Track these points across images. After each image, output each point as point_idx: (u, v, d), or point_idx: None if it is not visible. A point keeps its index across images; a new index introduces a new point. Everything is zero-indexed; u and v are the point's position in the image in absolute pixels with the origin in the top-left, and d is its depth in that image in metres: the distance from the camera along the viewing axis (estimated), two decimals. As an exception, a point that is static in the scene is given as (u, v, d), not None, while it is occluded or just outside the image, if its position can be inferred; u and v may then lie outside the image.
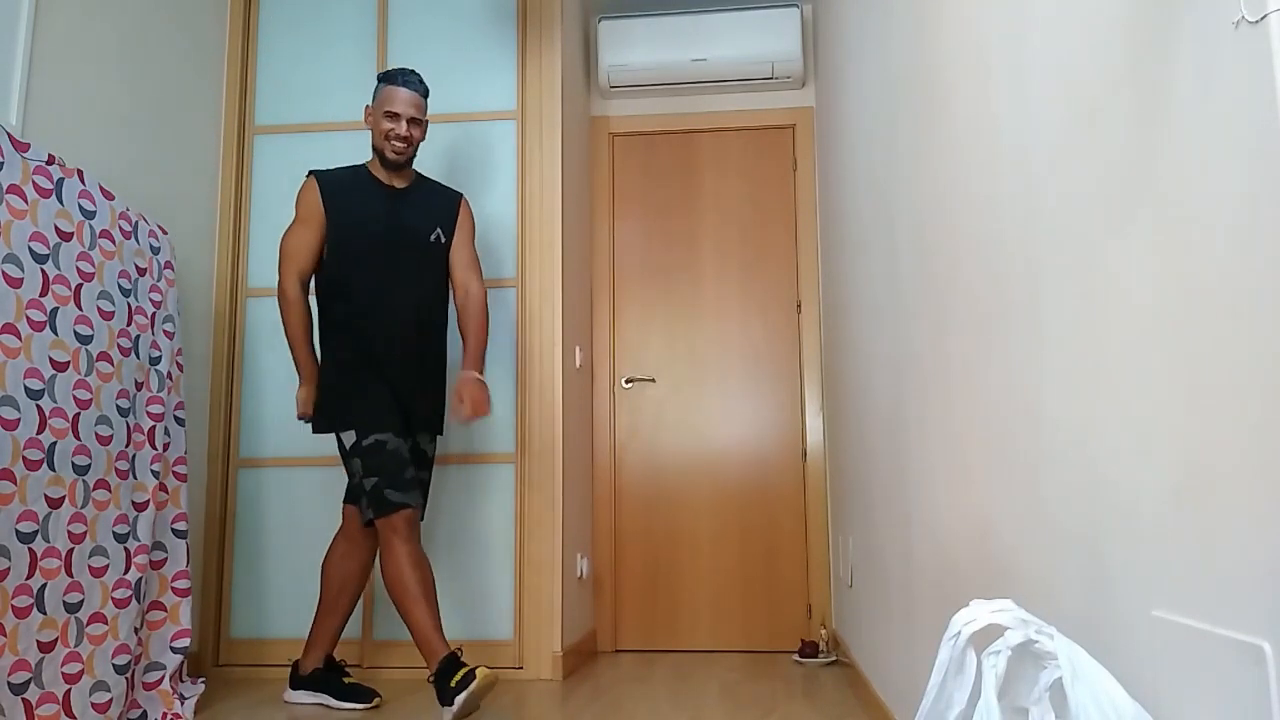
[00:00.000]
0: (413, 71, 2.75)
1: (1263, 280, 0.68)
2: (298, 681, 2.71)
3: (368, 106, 2.79)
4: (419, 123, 2.74)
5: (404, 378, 2.68)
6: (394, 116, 2.69)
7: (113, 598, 2.27)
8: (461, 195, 2.88)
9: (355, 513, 2.71)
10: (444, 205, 2.82)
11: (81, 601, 2.18)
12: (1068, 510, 1.07)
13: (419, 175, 2.85)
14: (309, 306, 2.73)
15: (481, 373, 2.71)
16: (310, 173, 2.76)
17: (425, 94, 2.76)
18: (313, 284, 2.75)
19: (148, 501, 2.41)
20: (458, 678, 2.29)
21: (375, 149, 2.75)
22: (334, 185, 2.73)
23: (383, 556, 2.51)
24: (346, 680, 2.69)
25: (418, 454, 2.73)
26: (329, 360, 2.68)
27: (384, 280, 2.67)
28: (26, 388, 2.07)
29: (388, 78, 2.73)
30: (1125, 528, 0.92)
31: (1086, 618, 1.01)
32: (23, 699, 1.99)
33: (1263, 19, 0.67)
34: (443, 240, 2.78)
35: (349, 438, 2.58)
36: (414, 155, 2.78)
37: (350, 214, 2.70)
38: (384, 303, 2.66)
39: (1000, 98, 1.32)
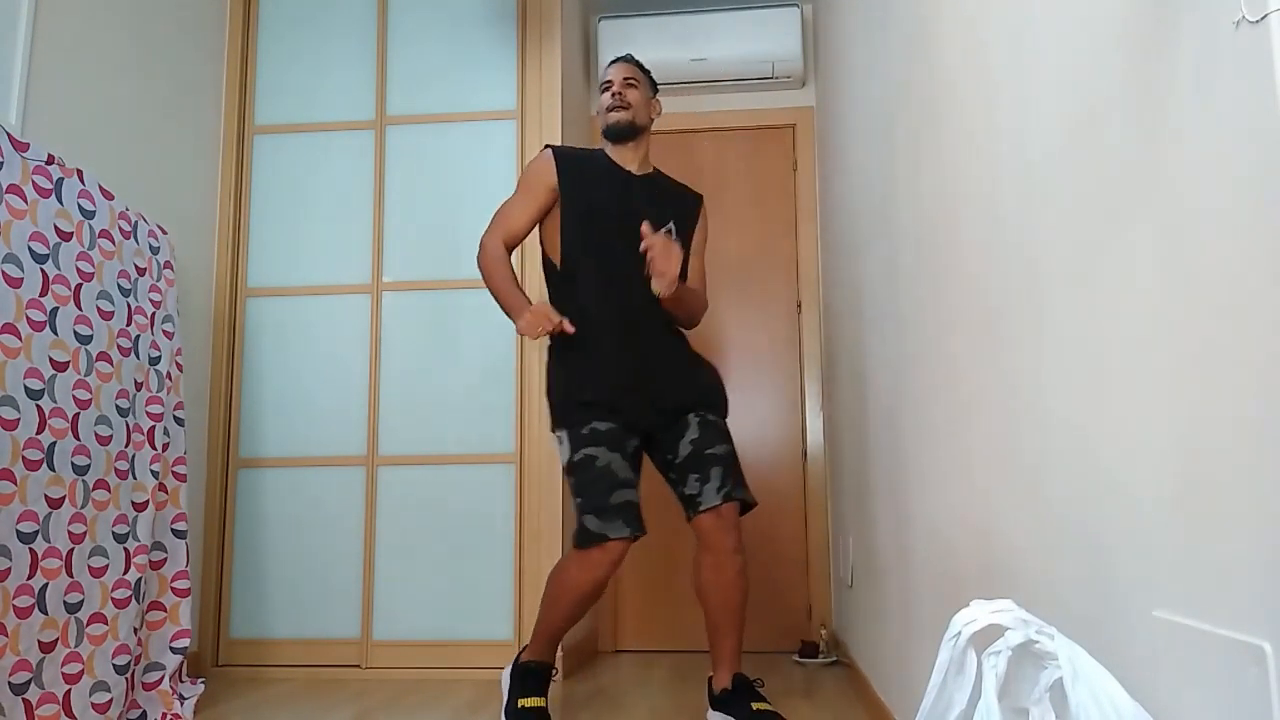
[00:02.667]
0: (626, 54, 2.62)
1: (1264, 280, 0.68)
2: (715, 701, 2.37)
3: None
4: (633, 84, 2.50)
5: (627, 363, 2.36)
6: (607, 86, 2.51)
7: (112, 598, 2.27)
8: (702, 198, 2.63)
9: None
10: (685, 202, 2.57)
11: (82, 601, 2.18)
12: (1068, 510, 1.07)
13: (659, 171, 2.61)
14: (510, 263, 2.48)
15: (678, 289, 2.32)
16: (546, 146, 2.55)
17: (640, 66, 2.56)
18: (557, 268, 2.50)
19: (147, 501, 2.41)
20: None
21: (604, 132, 2.52)
22: (569, 159, 2.50)
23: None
24: (757, 707, 2.25)
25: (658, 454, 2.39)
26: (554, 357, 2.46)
27: (616, 277, 2.37)
28: (26, 388, 2.07)
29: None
30: (1126, 528, 0.92)
31: (1086, 618, 1.01)
32: (23, 699, 1.99)
33: (1263, 19, 0.67)
34: (674, 235, 2.45)
35: (564, 452, 2.32)
36: (644, 123, 2.52)
37: (578, 190, 2.46)
38: (616, 310, 2.37)
39: (1000, 97, 1.32)
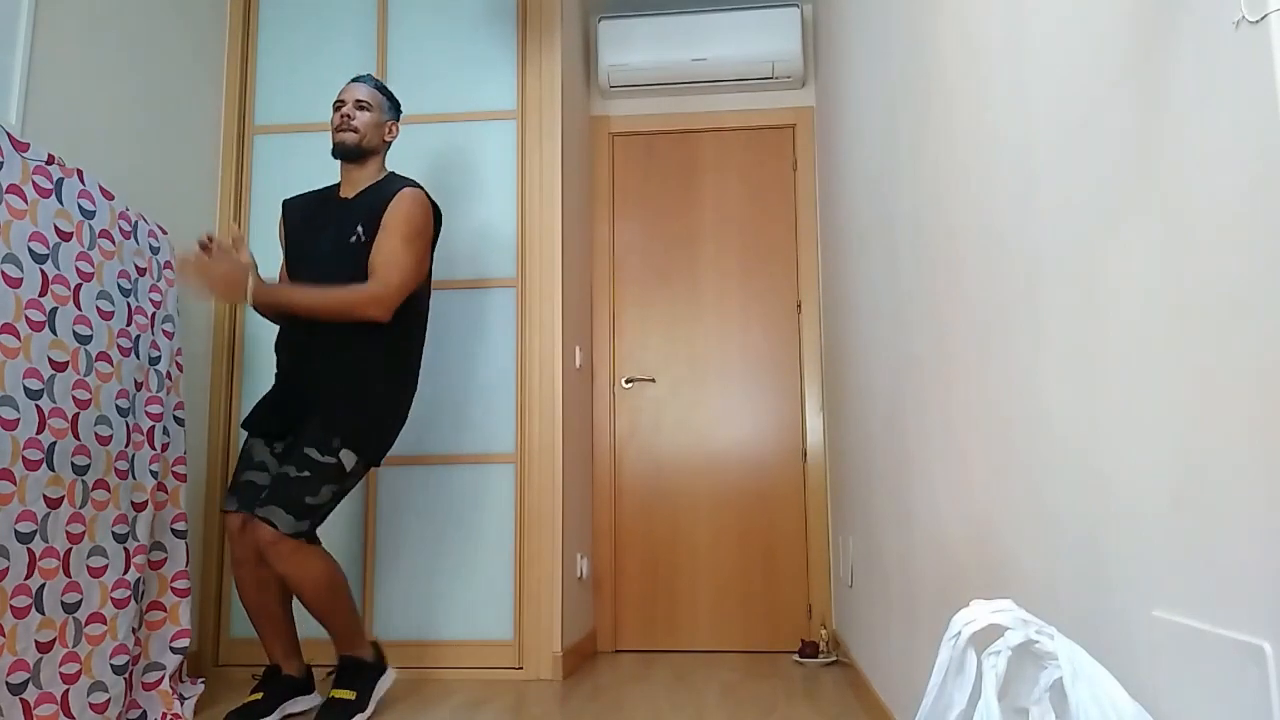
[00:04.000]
0: (366, 74, 2.72)
1: (1263, 280, 0.68)
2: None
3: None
4: (365, 106, 2.61)
5: (287, 379, 2.59)
6: (339, 105, 2.62)
7: (112, 598, 2.27)
8: (406, 186, 2.57)
9: None
10: (378, 202, 2.56)
11: (80, 601, 2.17)
12: (1068, 510, 1.07)
13: (388, 176, 2.66)
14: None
15: (257, 294, 2.41)
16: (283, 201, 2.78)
17: (383, 91, 2.67)
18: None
19: (147, 501, 2.41)
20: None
21: (333, 150, 2.64)
22: (296, 208, 2.73)
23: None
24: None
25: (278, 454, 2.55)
26: None
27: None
28: (26, 388, 2.06)
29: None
30: (1125, 528, 0.92)
31: (1086, 618, 1.01)
32: (21, 699, 1.99)
33: (1263, 19, 0.67)
34: (362, 239, 2.53)
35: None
36: (371, 146, 2.63)
37: (297, 229, 2.68)
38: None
39: (1000, 97, 1.32)
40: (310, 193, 2.76)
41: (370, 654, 2.52)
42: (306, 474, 2.38)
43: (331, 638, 2.48)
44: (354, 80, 2.68)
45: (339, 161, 2.66)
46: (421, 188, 2.60)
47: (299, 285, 2.50)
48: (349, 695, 2.43)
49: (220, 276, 2.37)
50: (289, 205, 2.74)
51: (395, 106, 2.72)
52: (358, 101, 2.62)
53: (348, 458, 2.43)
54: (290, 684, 2.51)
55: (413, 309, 2.60)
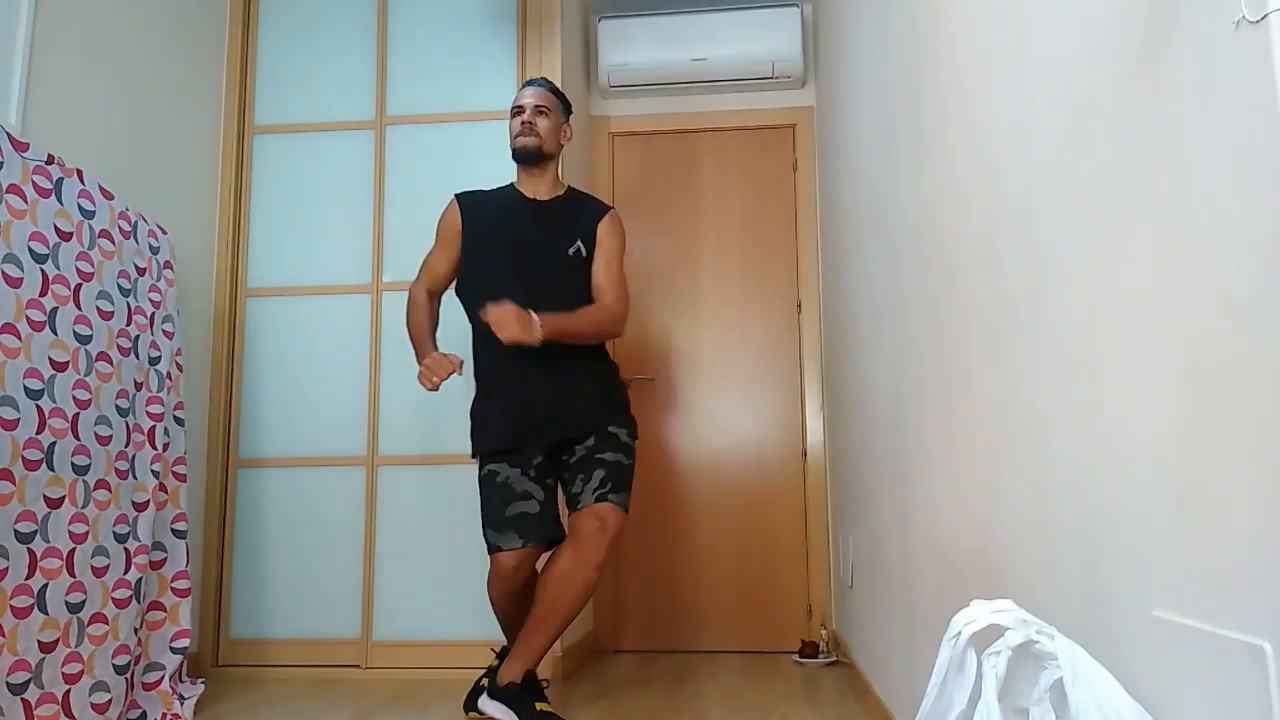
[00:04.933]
0: (540, 77, 2.70)
1: (1263, 280, 0.68)
2: (495, 691, 2.43)
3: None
4: (544, 110, 2.59)
5: (522, 395, 2.47)
6: (519, 110, 2.60)
7: (113, 598, 2.27)
8: (610, 209, 2.65)
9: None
10: (589, 216, 2.60)
11: (83, 602, 2.18)
12: (1068, 510, 1.07)
13: (571, 189, 2.69)
14: (432, 308, 2.66)
15: (546, 327, 2.33)
16: (454, 195, 2.67)
17: (558, 95, 2.65)
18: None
19: (147, 501, 2.41)
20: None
21: (514, 154, 2.62)
22: (474, 203, 2.63)
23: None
24: (540, 707, 2.33)
25: (547, 471, 2.47)
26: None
27: (523, 301, 2.37)
28: (26, 388, 2.06)
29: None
30: (1125, 528, 0.92)
31: (1086, 618, 1.01)
32: (22, 699, 1.99)
33: (1263, 19, 0.67)
34: (583, 254, 2.54)
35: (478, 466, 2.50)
36: (552, 149, 2.61)
37: (484, 228, 2.58)
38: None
39: (1000, 97, 1.32)
40: (488, 192, 2.66)
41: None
42: (630, 462, 2.49)
43: (542, 643, 2.39)
44: (528, 84, 2.65)
45: (516, 165, 2.64)
46: (614, 209, 2.68)
47: (573, 314, 2.45)
48: (549, 707, 2.34)
49: (514, 316, 2.31)
50: (469, 202, 2.63)
51: (568, 108, 2.70)
52: (537, 107, 2.60)
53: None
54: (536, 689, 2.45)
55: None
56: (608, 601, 3.76)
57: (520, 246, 2.53)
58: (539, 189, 2.63)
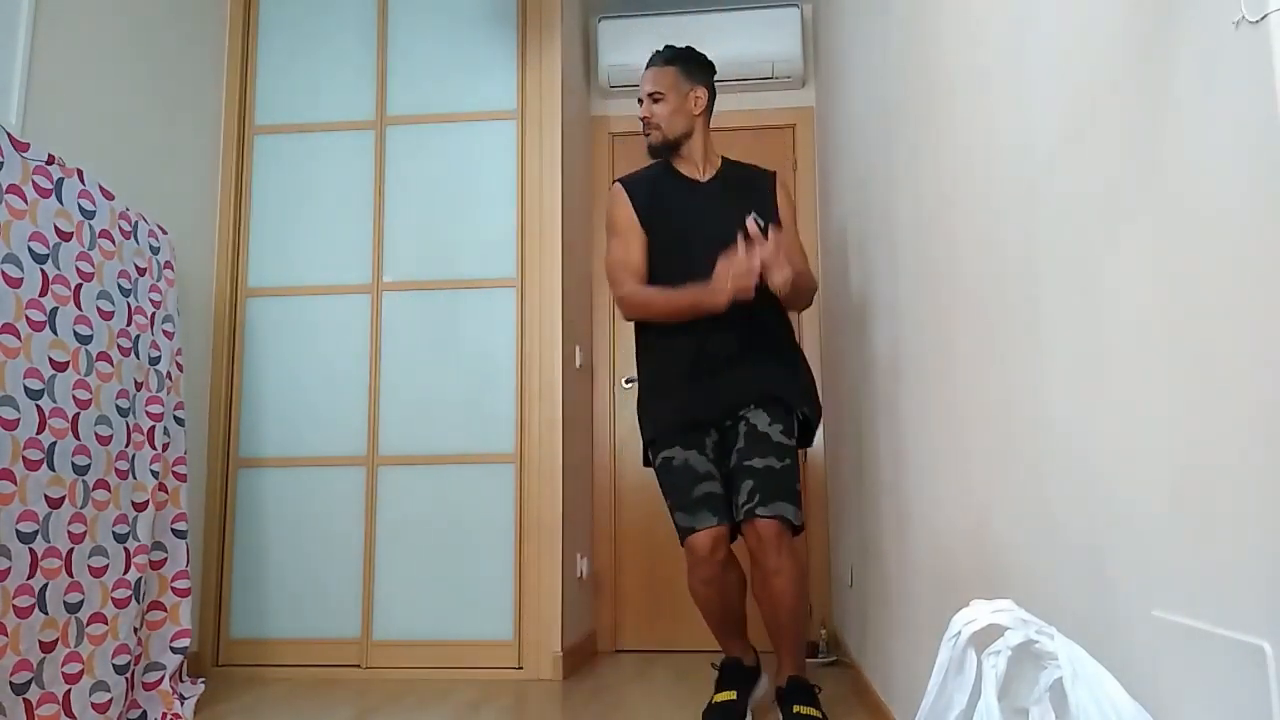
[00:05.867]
0: (661, 49, 2.50)
1: (1263, 280, 0.68)
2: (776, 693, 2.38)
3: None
4: (657, 97, 2.42)
5: (710, 372, 2.33)
6: (640, 101, 2.46)
7: (113, 598, 2.27)
8: (774, 173, 2.51)
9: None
10: (758, 187, 2.46)
11: (82, 601, 2.17)
12: (1068, 510, 1.07)
13: (726, 161, 2.53)
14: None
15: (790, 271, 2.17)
16: (615, 181, 2.54)
17: (675, 61, 2.45)
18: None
19: (147, 501, 2.41)
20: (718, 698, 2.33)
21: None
22: (638, 187, 2.50)
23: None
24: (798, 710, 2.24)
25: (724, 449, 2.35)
26: (640, 374, 2.48)
27: (693, 281, 2.26)
28: (26, 388, 2.07)
29: None
30: (1125, 527, 0.92)
31: (1086, 618, 1.01)
32: (23, 699, 1.99)
33: (1263, 19, 0.67)
34: (762, 226, 2.28)
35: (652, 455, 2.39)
36: (678, 132, 2.45)
37: (656, 214, 2.44)
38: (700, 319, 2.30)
39: (1000, 97, 1.32)
40: (645, 173, 2.54)
41: (808, 678, 2.36)
42: (789, 462, 2.28)
43: (787, 650, 2.34)
44: (648, 64, 2.48)
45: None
46: (776, 172, 2.53)
47: (801, 275, 2.29)
48: (818, 715, 2.25)
49: (749, 270, 2.13)
50: (634, 188, 2.49)
51: (695, 69, 2.47)
52: (651, 95, 2.44)
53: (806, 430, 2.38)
54: (752, 675, 2.44)
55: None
56: (608, 601, 3.76)
57: (696, 233, 2.37)
58: (694, 168, 2.48)
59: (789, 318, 2.48)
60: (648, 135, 2.47)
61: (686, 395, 2.35)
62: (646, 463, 2.46)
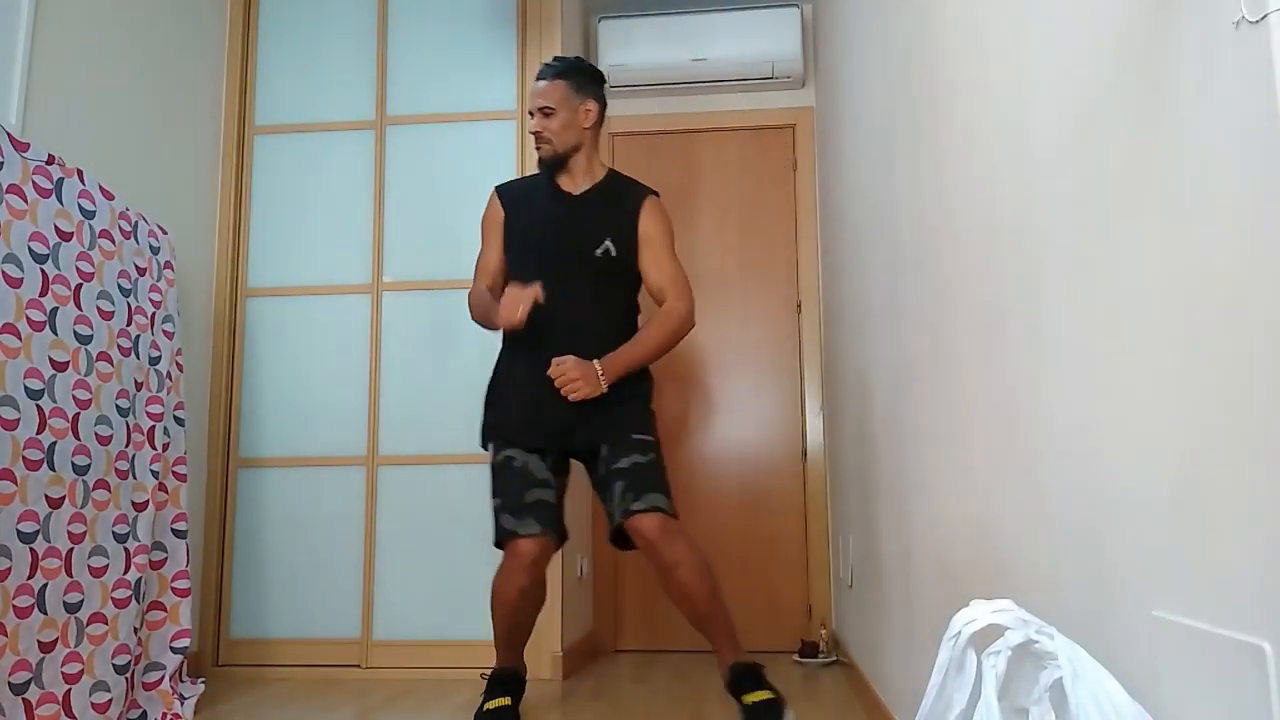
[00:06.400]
0: (549, 61, 2.52)
1: (1263, 280, 0.68)
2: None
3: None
4: (547, 111, 2.43)
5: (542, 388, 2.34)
6: (531, 114, 2.46)
7: (113, 598, 2.27)
8: (651, 194, 2.50)
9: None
10: (622, 208, 2.46)
11: (81, 601, 2.18)
12: (1068, 510, 1.07)
13: (614, 175, 2.54)
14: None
15: (608, 372, 2.29)
16: (495, 187, 2.58)
17: (564, 75, 2.45)
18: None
19: (147, 501, 2.41)
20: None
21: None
22: (511, 195, 2.53)
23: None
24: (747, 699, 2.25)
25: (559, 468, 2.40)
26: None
27: (547, 301, 2.30)
28: (26, 388, 2.07)
29: None
30: (1125, 527, 0.92)
31: (1086, 618, 1.01)
32: (23, 699, 1.99)
33: (1263, 19, 0.67)
34: (612, 254, 2.40)
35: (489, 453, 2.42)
36: (568, 145, 2.45)
37: (520, 222, 2.48)
38: (546, 331, 2.34)
39: (1000, 97, 1.32)
40: (525, 181, 2.59)
41: (748, 657, 2.33)
42: (653, 456, 2.31)
43: (719, 640, 2.30)
44: (538, 77, 2.47)
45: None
46: (656, 194, 2.53)
47: (633, 344, 2.36)
48: (768, 694, 2.22)
49: (578, 371, 2.26)
50: (507, 195, 2.53)
51: (585, 81, 2.48)
52: (542, 110, 2.44)
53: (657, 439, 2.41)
54: (523, 685, 2.44)
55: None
56: (608, 601, 3.76)
57: (550, 246, 2.43)
58: (573, 182, 2.50)
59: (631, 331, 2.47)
60: (539, 149, 2.47)
61: (535, 407, 2.36)
62: (484, 444, 2.44)
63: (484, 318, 2.42)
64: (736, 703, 2.26)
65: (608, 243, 2.41)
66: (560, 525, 2.35)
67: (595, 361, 2.29)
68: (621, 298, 2.46)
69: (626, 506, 2.25)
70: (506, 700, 2.34)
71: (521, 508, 2.28)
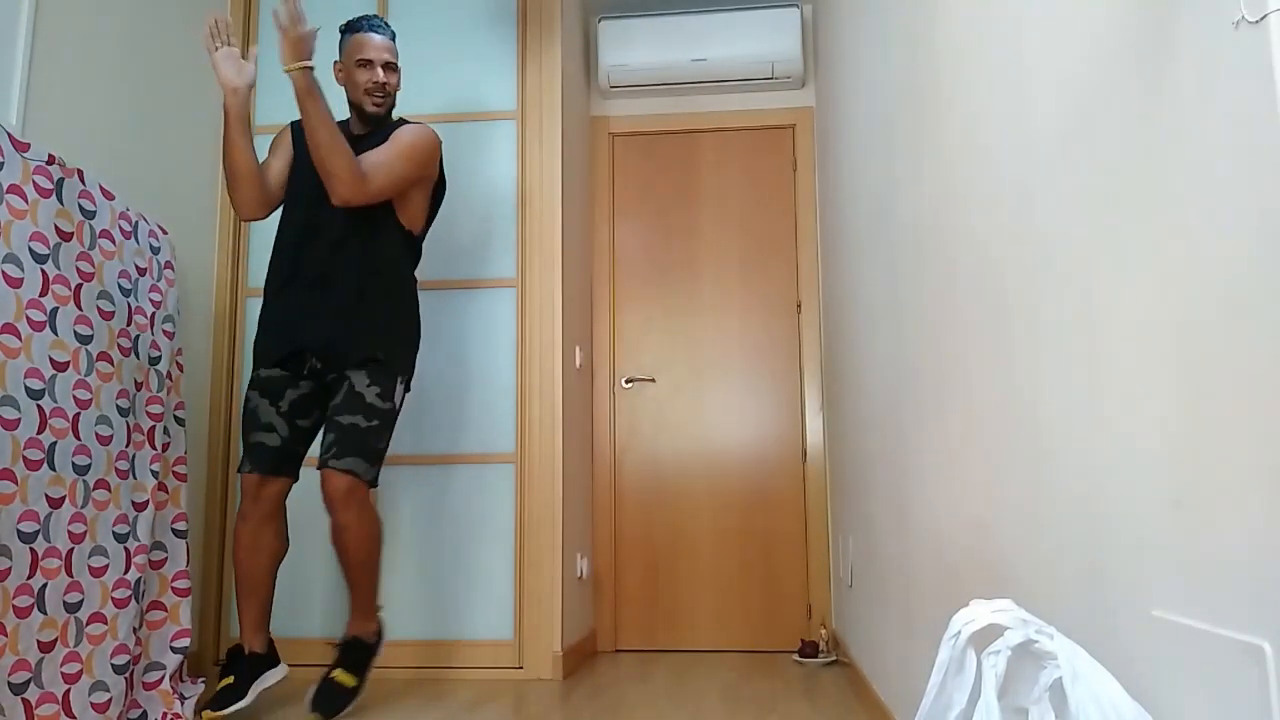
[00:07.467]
0: (376, 15, 2.68)
1: (1262, 280, 0.68)
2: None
3: (337, 62, 2.71)
4: (394, 68, 2.64)
5: (295, 309, 2.52)
6: (368, 64, 2.59)
7: (112, 598, 2.27)
8: (402, 124, 2.65)
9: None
10: (379, 141, 2.59)
11: (81, 601, 2.18)
12: (1067, 510, 1.07)
13: (398, 122, 2.70)
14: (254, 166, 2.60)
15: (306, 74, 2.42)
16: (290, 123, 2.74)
17: (393, 38, 2.68)
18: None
19: (147, 501, 2.41)
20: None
21: (353, 104, 2.65)
22: (300, 133, 2.65)
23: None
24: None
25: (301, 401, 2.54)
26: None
27: (308, 225, 2.53)
28: (26, 388, 2.07)
29: (351, 27, 2.65)
30: (1125, 527, 0.92)
31: (1086, 618, 1.01)
32: (22, 699, 1.99)
33: (1263, 19, 0.67)
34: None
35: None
36: (393, 105, 2.68)
37: (301, 157, 2.61)
38: (306, 259, 2.53)
39: (1000, 97, 1.32)
40: None
41: (374, 636, 2.53)
42: (376, 423, 2.43)
43: (352, 605, 2.48)
44: (370, 29, 2.63)
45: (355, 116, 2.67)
46: (434, 132, 2.64)
47: (325, 114, 2.44)
48: (351, 681, 2.43)
49: (299, 37, 2.38)
50: (297, 126, 2.68)
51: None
52: (388, 64, 2.61)
53: (399, 396, 2.51)
54: (256, 661, 2.54)
55: (416, 251, 2.68)
56: (608, 601, 3.76)
57: (314, 180, 2.52)
58: (365, 125, 2.66)
59: (399, 257, 2.59)
60: (377, 104, 2.61)
61: (281, 316, 2.53)
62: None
63: (225, 146, 2.54)
64: (327, 670, 2.46)
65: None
66: (282, 465, 2.50)
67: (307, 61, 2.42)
68: (373, 224, 2.54)
69: (326, 459, 2.39)
70: (230, 679, 2.45)
71: (248, 445, 2.50)
